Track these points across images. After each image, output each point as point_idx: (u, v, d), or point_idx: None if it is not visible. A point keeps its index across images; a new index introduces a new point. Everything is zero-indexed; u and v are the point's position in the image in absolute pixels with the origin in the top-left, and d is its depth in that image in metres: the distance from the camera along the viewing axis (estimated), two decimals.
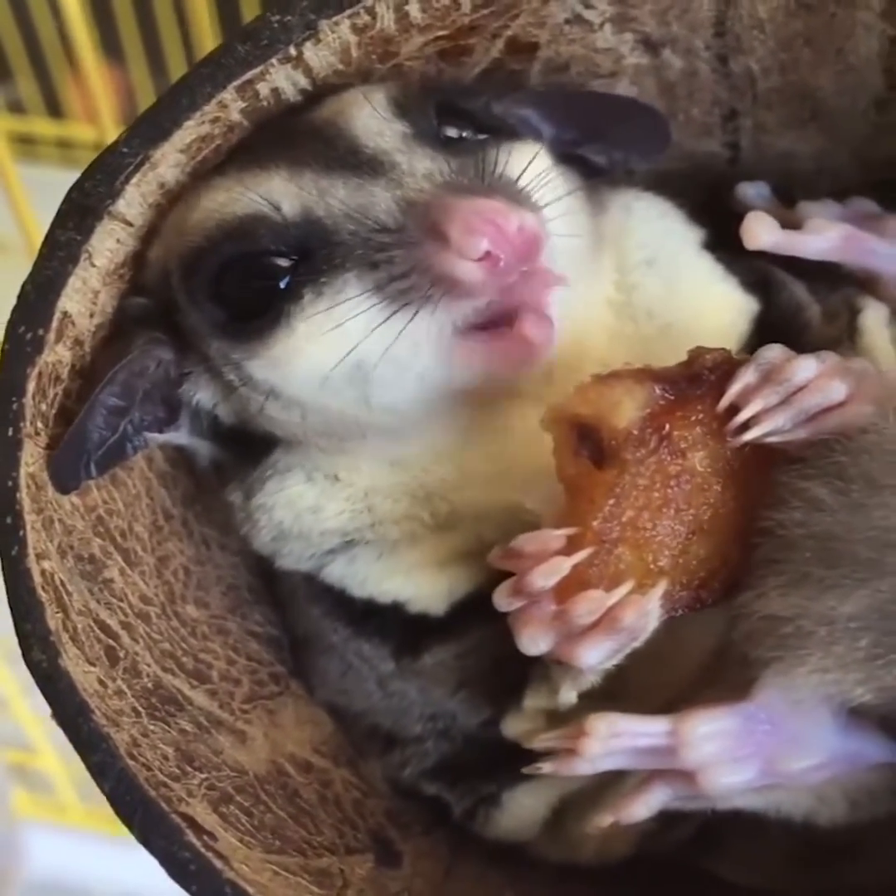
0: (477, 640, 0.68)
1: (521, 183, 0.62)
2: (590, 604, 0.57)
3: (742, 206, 0.76)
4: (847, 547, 0.56)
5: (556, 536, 0.58)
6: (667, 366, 0.60)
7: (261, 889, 0.58)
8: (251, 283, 0.62)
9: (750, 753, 0.60)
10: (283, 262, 0.62)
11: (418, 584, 0.68)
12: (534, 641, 0.59)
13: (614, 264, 0.70)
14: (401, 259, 0.60)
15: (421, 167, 0.62)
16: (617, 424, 0.58)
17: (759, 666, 0.58)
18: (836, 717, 0.60)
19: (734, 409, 0.58)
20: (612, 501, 0.57)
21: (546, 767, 0.61)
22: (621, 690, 0.63)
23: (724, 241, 0.72)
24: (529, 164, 0.63)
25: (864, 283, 0.72)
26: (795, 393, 0.58)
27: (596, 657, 0.58)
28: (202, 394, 0.67)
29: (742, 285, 0.71)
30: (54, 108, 2.04)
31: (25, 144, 2.01)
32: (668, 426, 0.58)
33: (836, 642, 0.56)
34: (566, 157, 0.69)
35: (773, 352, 0.59)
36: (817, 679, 0.56)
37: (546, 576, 0.57)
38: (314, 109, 0.66)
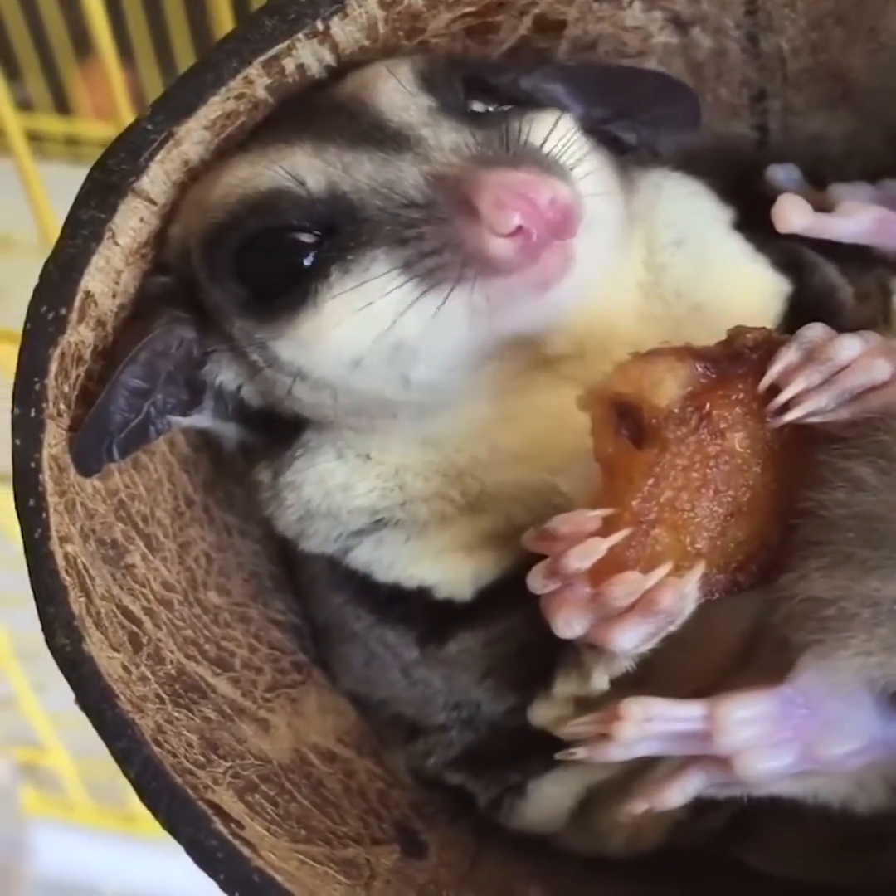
0: (504, 626, 0.67)
1: (549, 151, 0.61)
2: (627, 586, 0.56)
3: (772, 188, 0.75)
4: (891, 527, 0.55)
5: (593, 517, 0.57)
6: (707, 345, 0.59)
7: (289, 878, 0.57)
8: (275, 259, 0.61)
9: (788, 738, 0.59)
10: (308, 238, 0.61)
11: (445, 568, 0.67)
12: (569, 624, 0.58)
13: (643, 244, 0.69)
14: (431, 235, 0.58)
15: (447, 140, 0.61)
16: (659, 403, 0.57)
17: (798, 649, 0.57)
18: (877, 702, 0.59)
19: (775, 388, 0.57)
20: (651, 481, 0.56)
21: (579, 753, 0.60)
22: (650, 676, 0.61)
23: (753, 223, 0.71)
24: (554, 131, 0.62)
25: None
26: (838, 372, 0.57)
27: (632, 641, 0.57)
28: (225, 374, 0.66)
29: (773, 266, 0.70)
30: (62, 106, 2.03)
31: (33, 141, 2.00)
32: (708, 405, 0.57)
33: (880, 624, 0.55)
34: (596, 133, 0.68)
35: (815, 331, 0.58)
36: (861, 662, 0.55)
37: (582, 557, 0.56)
38: (337, 84, 0.65)
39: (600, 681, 0.61)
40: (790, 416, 0.57)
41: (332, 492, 0.67)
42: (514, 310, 0.60)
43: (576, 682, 0.63)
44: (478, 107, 0.64)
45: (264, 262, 0.62)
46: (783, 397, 0.57)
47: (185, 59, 1.88)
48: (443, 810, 0.74)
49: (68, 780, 1.66)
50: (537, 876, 0.71)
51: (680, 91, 0.71)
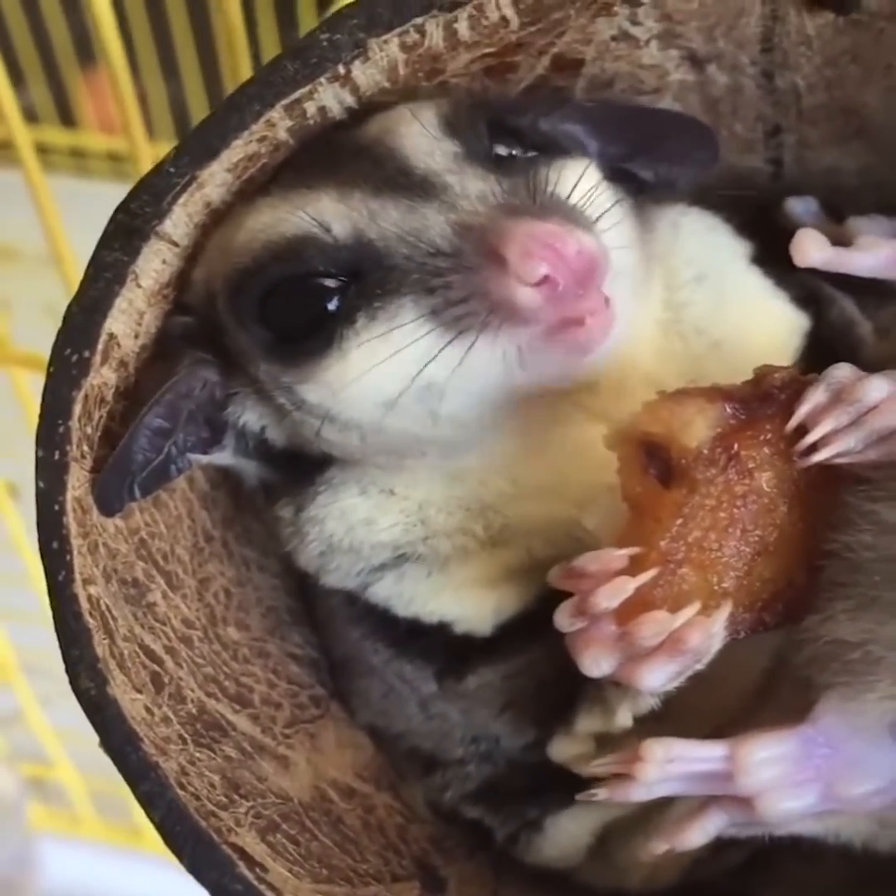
0: (524, 661, 0.67)
1: (575, 201, 0.61)
2: (655, 625, 0.56)
3: (790, 221, 0.75)
4: None
5: (621, 556, 0.57)
6: (734, 384, 0.59)
7: None
8: (300, 304, 0.62)
9: (809, 778, 0.59)
10: (333, 283, 0.61)
11: (466, 603, 0.68)
12: (596, 663, 0.58)
13: (662, 282, 0.70)
14: (458, 284, 0.59)
15: (474, 188, 0.61)
16: (688, 444, 0.57)
17: (821, 689, 0.58)
18: None
19: (802, 429, 0.57)
20: (679, 522, 0.57)
21: (601, 793, 0.61)
22: (669, 712, 0.62)
23: (771, 257, 0.71)
24: (580, 181, 0.63)
25: None
26: (866, 414, 0.57)
27: (659, 680, 0.57)
28: (249, 415, 0.66)
29: (792, 300, 0.70)
30: (66, 117, 2.04)
31: (38, 153, 2.00)
32: (736, 446, 0.57)
33: None
34: (613, 172, 0.68)
35: (843, 371, 0.59)
36: (887, 706, 0.56)
37: (610, 596, 0.56)
38: (360, 127, 0.65)
39: (625, 718, 0.62)
40: (818, 458, 0.57)
41: (355, 527, 0.67)
42: (551, 364, 0.61)
43: (600, 719, 0.63)
44: (502, 150, 0.64)
45: (289, 307, 0.62)
46: (811, 438, 0.57)
47: (189, 69, 1.89)
48: (461, 844, 0.75)
49: (75, 794, 1.66)
50: None
51: (696, 129, 0.71)
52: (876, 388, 0.58)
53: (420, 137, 0.63)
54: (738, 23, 0.68)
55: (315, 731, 0.73)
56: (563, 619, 0.58)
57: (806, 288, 0.71)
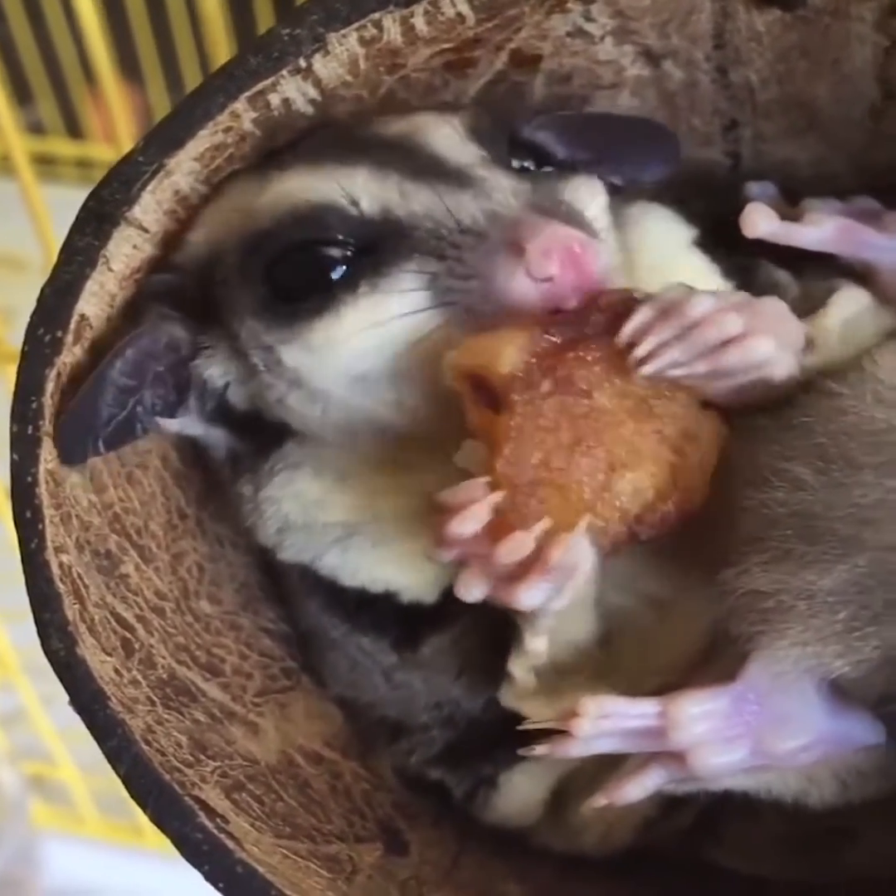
0: (469, 621, 0.69)
1: (590, 216, 0.65)
2: (511, 544, 0.58)
3: (748, 202, 0.77)
4: (827, 524, 0.58)
5: (476, 485, 0.59)
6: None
7: (271, 870, 0.60)
8: (307, 267, 0.64)
9: (739, 734, 0.61)
10: (345, 252, 0.64)
11: (409, 572, 0.70)
12: (467, 587, 0.61)
13: (627, 277, 0.72)
14: (469, 260, 0.62)
15: (507, 184, 0.64)
16: (500, 369, 0.59)
17: (744, 641, 0.60)
18: (824, 699, 0.62)
19: (635, 346, 0.59)
20: (511, 444, 0.59)
21: (540, 749, 0.63)
22: (614, 676, 0.64)
23: (720, 241, 0.74)
24: (595, 200, 0.67)
25: (863, 276, 0.73)
26: (691, 327, 0.59)
27: (535, 597, 0.60)
28: (215, 370, 0.69)
29: (723, 274, 0.73)
30: (74, 129, 2.06)
31: (45, 165, 2.04)
32: (561, 368, 0.59)
33: (815, 615, 0.57)
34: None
35: (673, 290, 0.61)
36: (798, 652, 0.58)
37: (463, 523, 0.59)
38: (378, 126, 0.68)
39: (534, 643, 0.64)
40: (648, 369, 0.59)
41: (308, 508, 0.70)
42: None
43: (524, 655, 0.65)
44: (516, 163, 0.67)
45: (297, 269, 0.64)
46: (639, 352, 0.59)
47: (193, 80, 1.91)
48: (426, 812, 0.77)
49: (77, 793, 1.67)
50: (516, 875, 0.74)
51: (658, 133, 0.74)
52: (699, 304, 0.60)
53: (449, 138, 0.66)
54: (690, 19, 0.70)
55: (285, 702, 0.75)
56: (431, 550, 0.61)
57: (740, 261, 0.73)
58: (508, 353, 0.59)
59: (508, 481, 0.59)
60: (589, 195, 0.67)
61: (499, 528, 0.59)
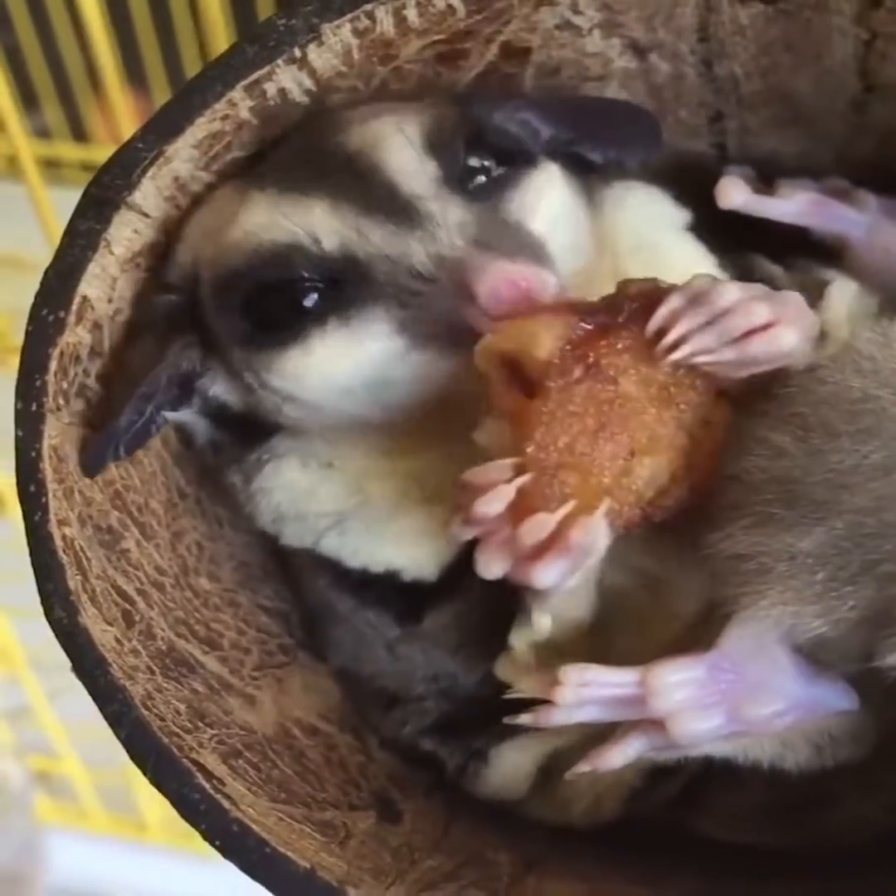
0: (470, 598, 0.71)
1: (538, 227, 0.67)
2: (535, 524, 0.60)
3: None
4: (806, 489, 0.59)
5: (502, 466, 0.61)
6: (590, 300, 0.63)
7: (266, 830, 0.62)
8: (278, 302, 0.67)
9: (716, 701, 0.63)
10: (313, 287, 0.66)
11: (407, 552, 0.72)
12: (488, 565, 0.62)
13: (611, 257, 0.74)
14: (430, 305, 0.65)
15: (453, 218, 0.66)
16: (537, 355, 0.61)
17: (727, 604, 0.62)
18: (798, 667, 0.63)
19: (664, 333, 0.61)
20: (542, 429, 0.60)
21: (523, 718, 0.65)
22: (607, 655, 0.66)
23: (710, 233, 0.76)
24: (553, 193, 0.70)
25: (835, 250, 0.75)
26: (720, 316, 0.61)
27: (551, 576, 0.61)
28: (218, 388, 0.72)
29: (719, 267, 0.74)
30: (79, 134, 2.08)
31: (52, 168, 2.05)
32: (592, 355, 0.61)
33: (794, 576, 0.59)
34: (566, 155, 0.73)
35: (701, 280, 0.63)
36: (779, 611, 0.60)
37: (489, 503, 0.60)
38: (346, 129, 0.69)
39: (540, 621, 0.66)
40: (677, 356, 0.61)
41: (298, 499, 0.73)
42: None
43: (527, 630, 0.67)
44: (475, 162, 0.69)
45: (269, 304, 0.67)
46: (669, 339, 0.60)
47: None
48: (419, 784, 0.78)
49: (82, 788, 1.70)
50: (506, 845, 0.75)
51: (640, 116, 0.76)
52: (728, 293, 0.62)
53: (404, 155, 0.68)
54: (675, 12, 0.71)
55: (282, 676, 0.77)
56: (456, 528, 0.63)
57: (733, 254, 0.75)
58: (546, 340, 0.61)
59: (537, 464, 0.61)
60: (547, 189, 0.70)
61: (520, 508, 0.61)
